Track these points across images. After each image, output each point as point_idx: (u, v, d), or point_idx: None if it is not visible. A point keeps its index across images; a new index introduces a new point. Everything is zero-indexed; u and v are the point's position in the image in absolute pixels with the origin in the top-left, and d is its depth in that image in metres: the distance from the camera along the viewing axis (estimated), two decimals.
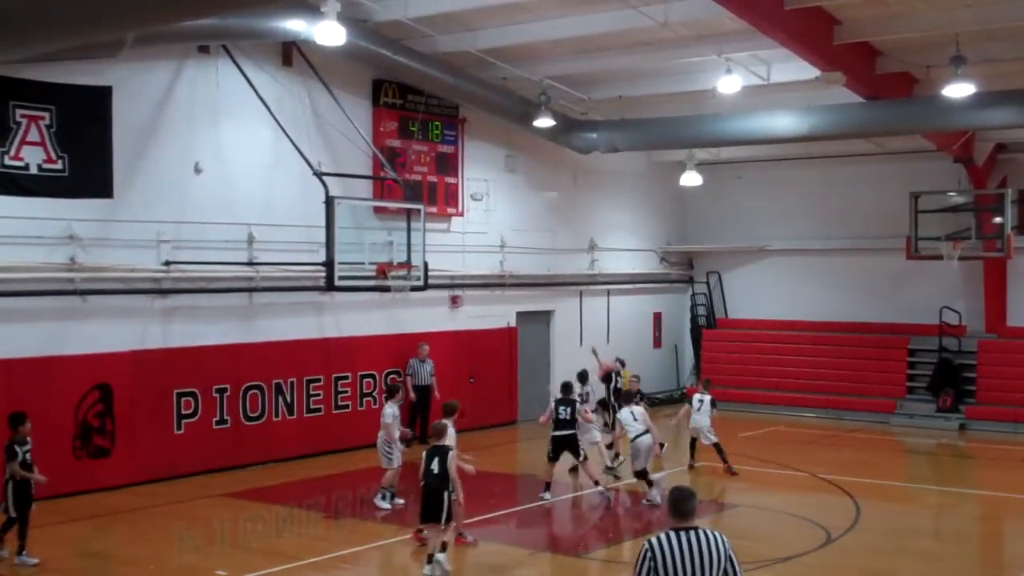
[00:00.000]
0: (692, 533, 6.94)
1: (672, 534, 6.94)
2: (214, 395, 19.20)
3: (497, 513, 16.51)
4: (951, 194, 26.28)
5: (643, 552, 6.92)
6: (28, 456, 13.71)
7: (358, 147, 21.13)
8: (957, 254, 25.30)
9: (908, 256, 26.36)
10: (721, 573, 6.91)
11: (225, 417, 19.38)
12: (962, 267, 26.24)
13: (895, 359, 27.58)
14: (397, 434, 16.57)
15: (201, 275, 19.04)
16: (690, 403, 20.40)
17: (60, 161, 16.90)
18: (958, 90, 18.67)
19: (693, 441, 20.26)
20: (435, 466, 12.87)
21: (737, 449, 21.33)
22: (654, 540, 6.93)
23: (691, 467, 20.13)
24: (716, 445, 19.76)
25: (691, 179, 27.71)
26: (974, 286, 27.11)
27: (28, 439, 13.80)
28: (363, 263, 19.38)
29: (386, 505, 16.50)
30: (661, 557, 6.85)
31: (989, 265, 26.60)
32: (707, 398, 20.09)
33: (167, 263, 18.51)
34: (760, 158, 29.18)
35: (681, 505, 7.06)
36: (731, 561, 6.96)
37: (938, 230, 25.69)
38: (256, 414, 19.88)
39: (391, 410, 16.62)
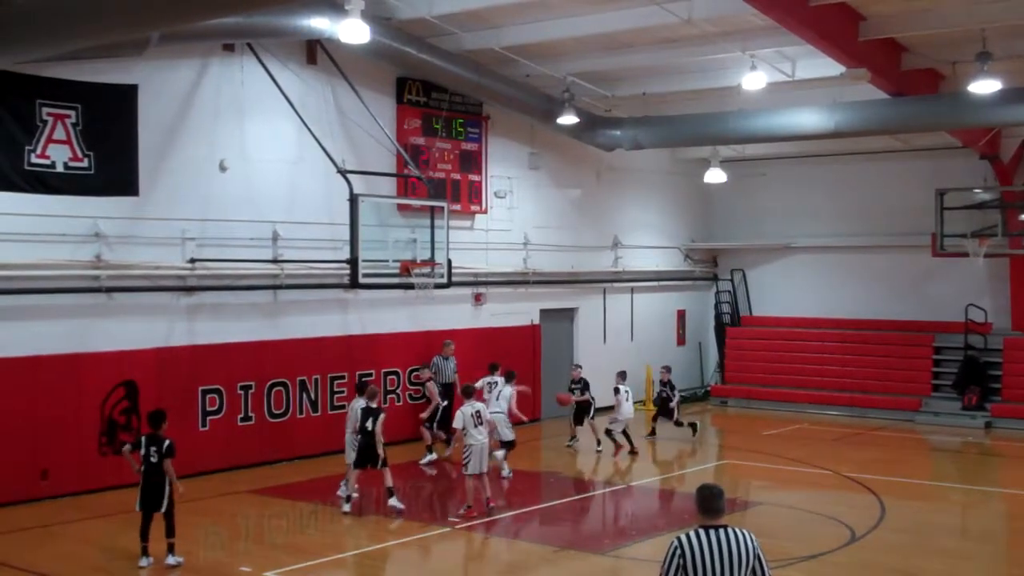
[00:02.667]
0: (721, 531, 6.92)
1: (701, 532, 6.92)
2: (239, 392, 19.28)
3: (522, 510, 16.49)
4: (977, 191, 26.12)
5: (672, 550, 6.91)
6: (154, 457, 13.36)
7: (382, 145, 21.16)
8: (983, 251, 25.15)
9: (934, 253, 26.23)
10: (749, 571, 6.89)
11: (250, 414, 19.45)
12: (988, 264, 26.08)
13: (920, 357, 27.42)
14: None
15: (226, 272, 19.10)
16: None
17: (86, 159, 16.97)
18: (984, 86, 18.56)
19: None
20: (369, 424, 15.81)
21: (761, 447, 21.28)
22: (683, 538, 6.92)
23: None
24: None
25: (715, 176, 27.65)
26: (1000, 283, 26.93)
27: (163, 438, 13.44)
28: (387, 260, 19.40)
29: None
30: (691, 555, 6.84)
31: (1015, 262, 26.41)
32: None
33: (192, 261, 18.58)
34: (785, 155, 29.07)
35: (710, 503, 7.04)
36: (759, 559, 6.95)
37: (964, 227, 25.54)
38: (280, 411, 19.95)
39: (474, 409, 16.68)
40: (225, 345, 19.10)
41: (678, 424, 23.06)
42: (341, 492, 16.52)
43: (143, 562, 13.30)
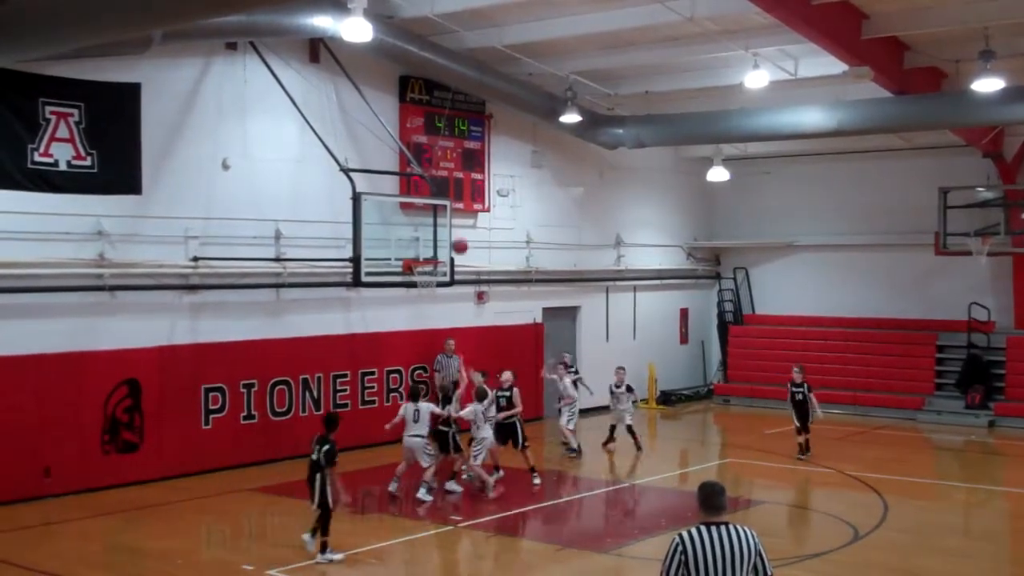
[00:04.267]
0: (723, 528, 6.92)
1: (703, 529, 6.93)
2: (241, 390, 19.29)
3: (523, 509, 16.49)
4: (980, 189, 26.09)
5: (674, 546, 6.91)
6: (321, 458, 13.49)
7: (385, 143, 21.16)
8: (986, 250, 25.11)
9: (937, 252, 26.20)
10: (751, 568, 6.89)
11: (252, 412, 19.46)
12: (991, 263, 26.05)
13: (923, 355, 27.41)
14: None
15: (229, 271, 19.12)
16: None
17: (89, 158, 16.98)
18: (987, 85, 18.52)
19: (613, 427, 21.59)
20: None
21: (764, 445, 21.27)
22: (685, 535, 6.92)
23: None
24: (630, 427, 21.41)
25: (718, 175, 27.62)
26: (1003, 282, 26.91)
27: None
28: (390, 259, 19.41)
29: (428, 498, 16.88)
30: (692, 552, 6.84)
31: (1018, 260, 26.39)
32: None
33: (195, 259, 18.60)
34: (788, 153, 29.06)
35: (712, 500, 7.04)
36: (761, 557, 6.95)
37: (967, 226, 25.50)
38: (283, 409, 19.96)
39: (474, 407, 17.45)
40: (228, 343, 19.11)
41: (630, 431, 21.45)
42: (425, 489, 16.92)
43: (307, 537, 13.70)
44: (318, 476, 13.43)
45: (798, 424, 20.76)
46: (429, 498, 16.75)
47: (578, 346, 26.88)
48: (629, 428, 21.47)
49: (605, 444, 21.60)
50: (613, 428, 21.67)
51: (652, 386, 28.31)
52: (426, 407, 17.00)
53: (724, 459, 20.30)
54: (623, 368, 22.07)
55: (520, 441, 18.37)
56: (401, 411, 17.12)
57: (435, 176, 22.20)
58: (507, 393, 18.37)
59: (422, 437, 16.90)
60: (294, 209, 20.07)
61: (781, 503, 17.42)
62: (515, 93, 22.89)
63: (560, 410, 21.25)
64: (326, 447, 13.41)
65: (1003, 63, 18.74)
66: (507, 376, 18.60)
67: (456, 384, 21.75)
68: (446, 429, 17.48)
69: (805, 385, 20.79)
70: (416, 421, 16.82)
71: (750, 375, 29.25)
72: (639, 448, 21.42)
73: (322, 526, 13.44)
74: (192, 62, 18.61)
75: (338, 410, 15.94)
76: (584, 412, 22.14)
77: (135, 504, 16.39)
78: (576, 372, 22.21)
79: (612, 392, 21.67)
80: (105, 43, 15.10)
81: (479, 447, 17.35)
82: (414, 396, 17.13)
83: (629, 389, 21.70)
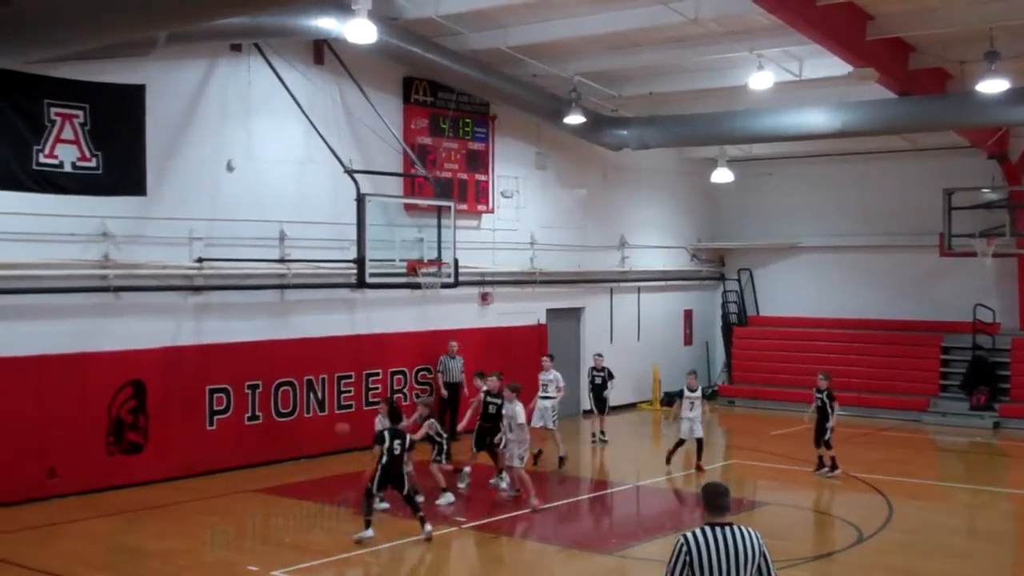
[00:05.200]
0: (727, 529, 6.92)
1: (708, 529, 6.93)
2: (246, 391, 19.30)
3: (528, 510, 16.47)
4: (985, 191, 26.06)
5: (678, 547, 6.90)
6: (397, 447, 14.43)
7: (389, 144, 21.18)
8: (991, 251, 25.07)
9: (941, 253, 26.16)
10: (755, 569, 6.89)
11: (257, 413, 19.48)
12: (996, 264, 26.00)
13: (928, 357, 27.36)
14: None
15: (233, 272, 19.14)
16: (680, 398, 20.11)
17: (94, 159, 17.02)
18: (992, 86, 18.52)
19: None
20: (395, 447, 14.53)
21: (768, 447, 21.24)
22: (689, 535, 6.92)
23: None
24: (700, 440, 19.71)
25: (722, 176, 27.63)
26: (1008, 283, 26.86)
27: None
28: (394, 260, 19.43)
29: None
30: (696, 552, 6.83)
31: (1023, 262, 26.36)
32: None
33: (199, 260, 18.62)
34: (792, 155, 29.03)
35: (716, 500, 7.04)
36: (765, 557, 6.95)
37: (971, 227, 25.45)
38: (288, 410, 19.97)
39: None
40: (232, 344, 19.13)
41: (699, 447, 19.80)
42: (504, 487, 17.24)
43: (367, 534, 14.35)
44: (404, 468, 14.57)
45: (814, 435, 19.32)
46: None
47: (582, 347, 26.87)
48: (699, 442, 19.64)
49: (670, 459, 19.80)
50: (682, 443, 19.84)
51: (656, 387, 28.29)
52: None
53: (728, 460, 20.26)
54: (694, 373, 20.78)
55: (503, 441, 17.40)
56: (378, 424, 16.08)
57: (439, 177, 22.20)
58: (497, 400, 17.24)
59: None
60: (298, 210, 20.08)
61: (785, 504, 17.40)
62: (519, 94, 22.89)
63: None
64: (408, 439, 14.79)
65: (1008, 64, 18.73)
66: (492, 381, 17.54)
67: (459, 385, 21.86)
68: (440, 438, 17.00)
69: (826, 392, 19.31)
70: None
71: (754, 376, 29.23)
72: (701, 469, 19.42)
73: (413, 507, 14.57)
74: (196, 64, 18.64)
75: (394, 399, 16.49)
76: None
77: (139, 505, 16.41)
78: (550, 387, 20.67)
79: (683, 396, 20.03)
80: (110, 45, 15.12)
81: (521, 449, 16.75)
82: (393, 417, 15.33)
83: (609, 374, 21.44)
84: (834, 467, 19.12)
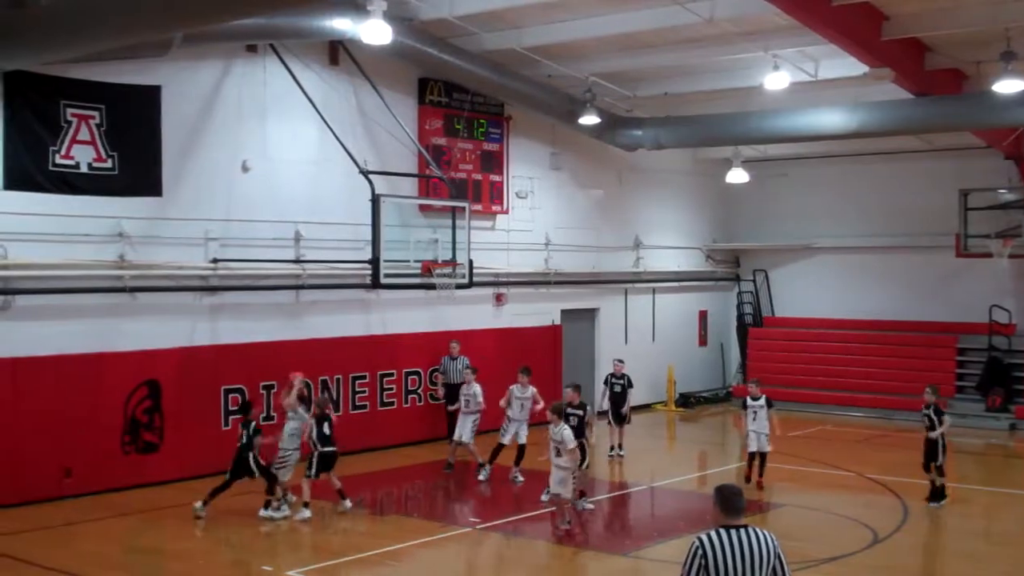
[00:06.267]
0: (742, 531, 6.90)
1: (723, 532, 6.90)
2: (261, 391, 19.33)
3: (541, 511, 16.47)
4: (1001, 191, 25.97)
5: (693, 549, 6.89)
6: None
7: (404, 145, 21.20)
8: (1007, 252, 25.01)
9: (957, 254, 26.10)
10: (770, 572, 6.86)
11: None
12: (1012, 265, 25.92)
13: (944, 358, 27.25)
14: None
15: (248, 273, 19.19)
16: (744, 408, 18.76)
17: (110, 160, 17.09)
18: (1008, 86, 18.45)
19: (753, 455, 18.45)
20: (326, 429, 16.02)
21: (785, 448, 21.16)
22: (704, 538, 6.90)
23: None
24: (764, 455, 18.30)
25: (737, 176, 27.57)
26: None
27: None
28: (408, 261, 19.44)
29: None
30: (712, 555, 6.82)
31: None
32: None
33: (215, 261, 18.67)
34: (807, 155, 28.95)
35: (730, 502, 7.01)
36: (780, 560, 6.92)
37: (988, 228, 25.40)
38: None
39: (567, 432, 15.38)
40: (247, 345, 19.17)
41: (762, 462, 18.34)
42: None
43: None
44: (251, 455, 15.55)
45: (923, 459, 17.13)
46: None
47: (597, 348, 26.87)
48: (762, 457, 18.16)
49: (749, 478, 18.24)
50: (753, 457, 18.37)
51: (671, 388, 28.26)
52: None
53: (743, 462, 20.18)
54: (756, 381, 19.13)
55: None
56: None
57: (454, 178, 22.21)
58: (472, 391, 19.03)
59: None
60: (313, 211, 20.12)
61: (800, 506, 17.34)
62: (534, 95, 22.90)
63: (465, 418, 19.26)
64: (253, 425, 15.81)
65: None
66: (467, 375, 19.35)
67: (460, 385, 21.79)
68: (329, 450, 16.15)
69: (933, 407, 17.13)
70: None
71: (769, 377, 28.89)
72: (760, 486, 18.00)
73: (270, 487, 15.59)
74: (212, 64, 18.68)
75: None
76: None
77: (155, 505, 16.45)
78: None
79: (746, 406, 18.59)
80: (126, 46, 15.18)
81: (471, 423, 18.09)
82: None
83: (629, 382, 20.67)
84: (943, 495, 16.97)
